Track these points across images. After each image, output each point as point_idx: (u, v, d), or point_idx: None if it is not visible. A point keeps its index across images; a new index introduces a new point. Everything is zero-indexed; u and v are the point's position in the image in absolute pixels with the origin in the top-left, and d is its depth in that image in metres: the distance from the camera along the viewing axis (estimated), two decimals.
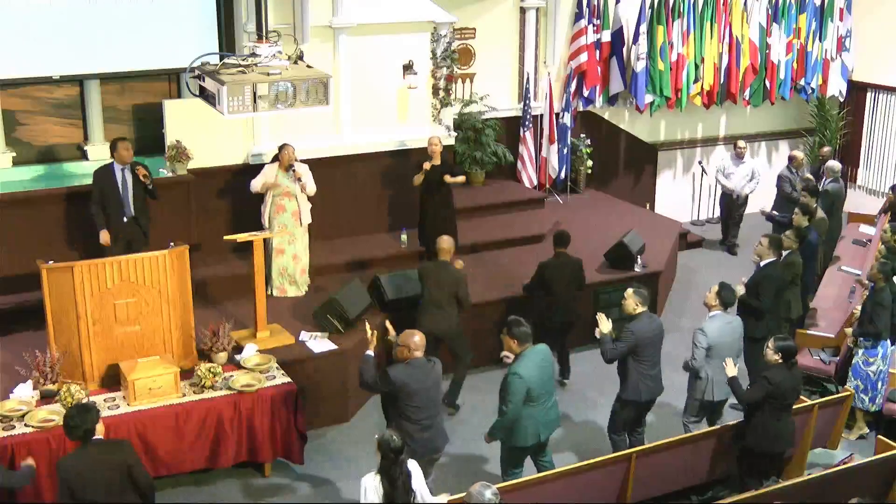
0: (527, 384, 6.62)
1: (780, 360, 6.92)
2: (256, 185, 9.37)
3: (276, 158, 9.46)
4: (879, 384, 8.36)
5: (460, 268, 8.79)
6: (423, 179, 10.00)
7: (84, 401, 6.81)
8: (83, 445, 5.70)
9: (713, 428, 7.48)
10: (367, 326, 7.04)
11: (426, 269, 8.64)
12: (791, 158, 12.24)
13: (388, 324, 7.17)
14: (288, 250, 9.48)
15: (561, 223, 11.74)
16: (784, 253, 8.88)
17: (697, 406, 7.75)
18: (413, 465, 5.77)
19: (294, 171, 9.28)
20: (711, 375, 7.57)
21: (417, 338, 6.56)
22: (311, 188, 9.43)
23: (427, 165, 9.96)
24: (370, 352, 6.75)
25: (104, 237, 8.75)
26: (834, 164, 11.82)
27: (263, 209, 9.43)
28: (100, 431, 5.79)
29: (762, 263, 8.64)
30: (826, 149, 12.87)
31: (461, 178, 10.24)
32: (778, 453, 7.17)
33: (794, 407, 7.50)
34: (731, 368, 7.24)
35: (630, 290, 7.45)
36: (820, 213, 10.29)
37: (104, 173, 8.75)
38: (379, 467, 5.61)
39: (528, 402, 6.69)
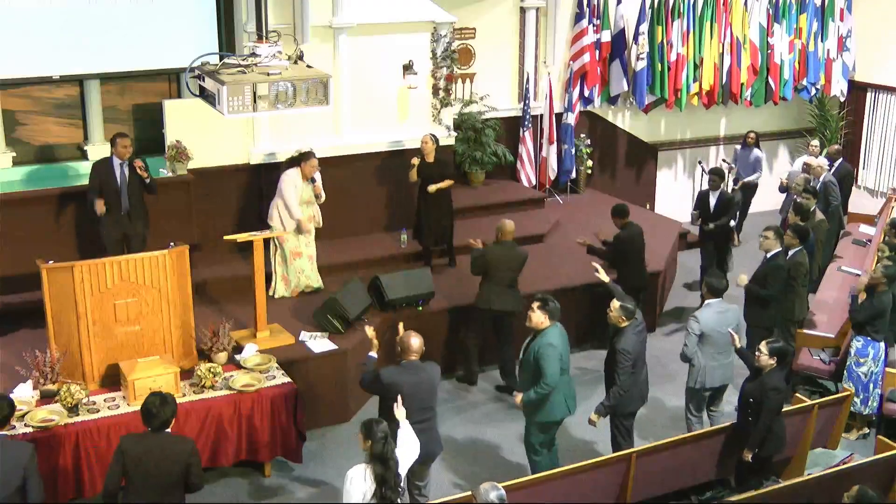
0: (559, 352, 6.91)
1: (775, 364, 6.84)
2: (297, 212, 9.28)
3: (293, 163, 9.42)
4: (871, 387, 8.29)
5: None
6: (420, 178, 10.00)
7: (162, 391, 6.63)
8: (153, 432, 5.75)
9: (713, 428, 7.47)
10: (367, 328, 7.01)
11: (493, 252, 8.90)
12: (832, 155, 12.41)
13: (399, 326, 6.99)
14: (305, 252, 9.49)
15: (561, 223, 11.75)
16: (790, 252, 8.92)
17: (693, 394, 7.80)
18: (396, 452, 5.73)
19: (315, 183, 9.35)
20: (704, 363, 7.64)
21: (416, 341, 6.54)
22: (323, 196, 9.49)
23: (415, 161, 9.99)
24: (373, 353, 6.75)
25: (100, 206, 8.61)
26: (822, 160, 12.02)
27: (279, 212, 9.32)
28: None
29: (769, 254, 8.72)
30: (835, 147, 12.85)
31: (446, 184, 10.07)
32: (781, 452, 7.18)
33: (795, 407, 7.57)
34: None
35: (616, 304, 7.25)
36: (819, 215, 10.34)
37: (103, 166, 8.75)
38: (369, 454, 5.54)
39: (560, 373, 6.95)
